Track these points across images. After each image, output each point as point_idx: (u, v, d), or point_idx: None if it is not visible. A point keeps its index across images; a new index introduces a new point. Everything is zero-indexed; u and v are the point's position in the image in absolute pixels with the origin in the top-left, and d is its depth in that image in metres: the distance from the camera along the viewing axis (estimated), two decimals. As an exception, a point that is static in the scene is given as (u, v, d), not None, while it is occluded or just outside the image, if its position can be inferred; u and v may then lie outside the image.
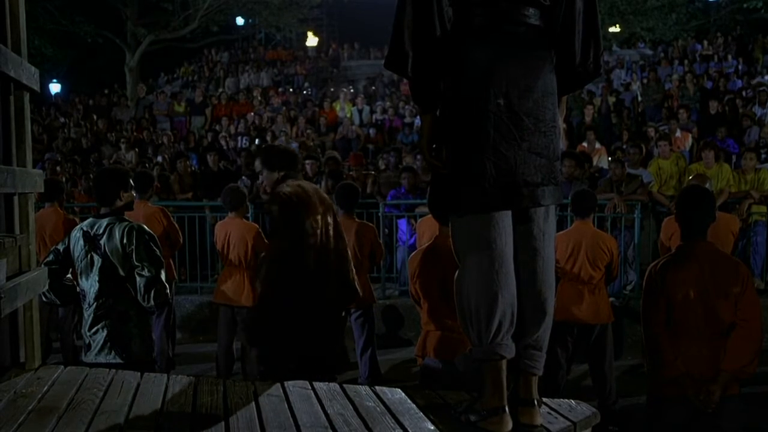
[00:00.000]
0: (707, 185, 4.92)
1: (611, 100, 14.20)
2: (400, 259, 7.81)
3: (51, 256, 3.98)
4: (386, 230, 7.91)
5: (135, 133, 13.37)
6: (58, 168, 9.21)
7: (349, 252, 5.24)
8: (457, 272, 2.22)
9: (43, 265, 3.91)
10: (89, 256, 3.85)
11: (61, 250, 3.97)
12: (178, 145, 12.58)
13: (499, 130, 2.07)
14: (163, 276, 3.82)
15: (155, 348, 4.70)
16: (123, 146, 12.21)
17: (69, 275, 4.03)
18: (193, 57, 24.03)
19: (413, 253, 3.66)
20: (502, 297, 2.10)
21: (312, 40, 23.92)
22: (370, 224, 5.64)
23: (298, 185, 3.66)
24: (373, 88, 18.24)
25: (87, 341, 3.87)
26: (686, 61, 19.44)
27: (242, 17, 23.61)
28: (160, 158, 11.78)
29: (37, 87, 2.88)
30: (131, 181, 4.12)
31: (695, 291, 3.22)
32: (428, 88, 2.16)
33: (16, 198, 2.67)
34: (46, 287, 3.87)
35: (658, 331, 3.30)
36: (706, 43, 21.35)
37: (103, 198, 3.99)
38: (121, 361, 3.81)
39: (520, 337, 2.18)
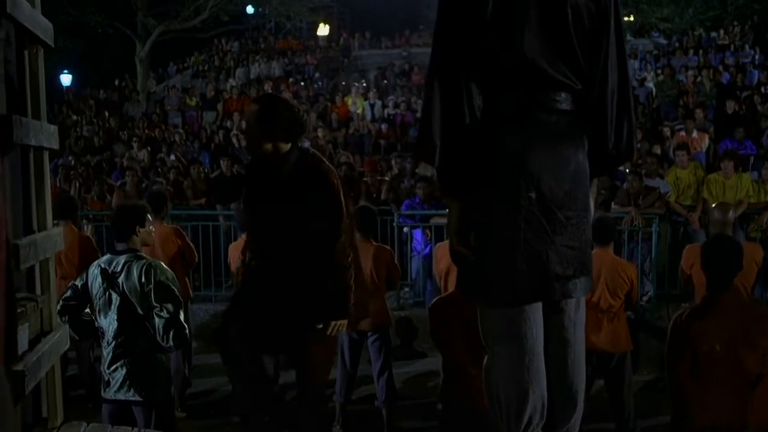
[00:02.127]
0: (730, 214, 4.85)
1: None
2: (414, 269, 7.78)
3: (69, 292, 3.99)
4: (405, 230, 7.87)
5: (147, 131, 13.35)
6: (71, 173, 9.21)
7: (367, 275, 5.25)
8: (486, 358, 2.19)
9: (61, 301, 3.92)
10: (107, 294, 3.85)
11: (79, 287, 3.98)
12: (190, 144, 12.56)
13: (530, 223, 2.03)
14: (181, 316, 3.81)
15: (172, 373, 4.74)
16: (135, 145, 12.21)
17: (87, 309, 4.04)
18: (204, 47, 23.93)
19: (435, 300, 3.63)
20: (533, 393, 2.07)
21: (323, 30, 23.76)
22: (387, 247, 5.60)
23: None
24: (385, 81, 18.10)
25: (106, 378, 3.88)
26: (701, 51, 19.18)
27: (252, 6, 23.44)
28: (173, 157, 11.77)
29: (56, 145, 2.85)
30: (148, 216, 4.12)
31: (721, 343, 3.18)
32: (457, 178, 2.11)
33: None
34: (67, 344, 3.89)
35: (684, 382, 3.27)
36: (722, 32, 21.03)
37: (121, 234, 3.99)
38: (140, 399, 3.83)
39: (550, 429, 2.15)
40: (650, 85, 15.35)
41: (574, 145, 2.11)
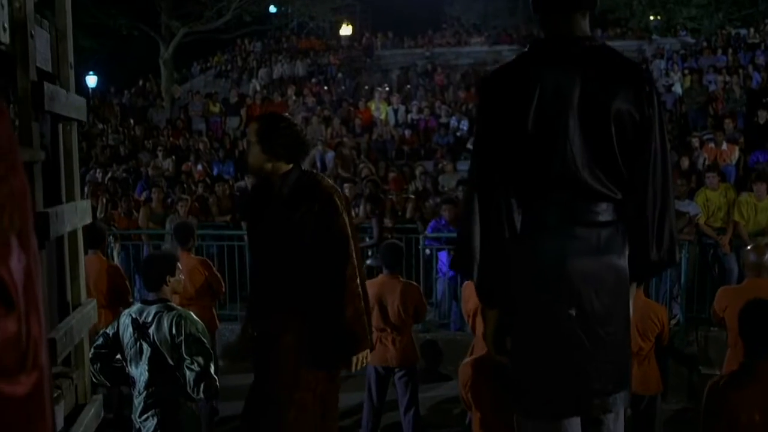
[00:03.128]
0: (766, 257, 4.75)
1: (653, 102, 13.81)
2: (440, 291, 7.75)
3: (101, 340, 4.02)
4: (428, 252, 7.84)
5: (171, 139, 13.44)
6: (98, 192, 9.29)
7: (394, 312, 5.24)
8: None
9: (93, 349, 3.95)
10: (138, 344, 3.87)
11: (111, 335, 4.01)
12: (215, 152, 12.61)
13: (570, 340, 1.99)
14: (212, 369, 3.83)
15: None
16: (160, 154, 12.29)
17: (118, 356, 4.07)
18: (226, 47, 24.00)
19: (465, 361, 3.59)
20: None
21: (345, 30, 23.70)
22: (414, 284, 5.58)
23: None
24: (408, 86, 18.01)
25: (137, 426, 3.91)
26: (730, 50, 18.82)
27: (275, 6, 23.43)
28: (200, 167, 11.84)
29: (89, 219, 2.86)
30: (178, 265, 4.14)
31: (760, 414, 3.12)
32: (495, 288, 2.07)
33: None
34: (97, 376, 3.94)
35: (720, 451, 3.21)
36: (752, 30, 20.57)
37: (151, 283, 4.01)
38: (171, 448, 3.86)
39: None
40: (677, 89, 15.09)
41: (615, 255, 2.06)
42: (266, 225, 3.43)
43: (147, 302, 3.96)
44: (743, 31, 20.57)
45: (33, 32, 2.25)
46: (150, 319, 3.87)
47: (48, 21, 2.67)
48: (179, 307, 4.00)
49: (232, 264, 8.00)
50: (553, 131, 1.97)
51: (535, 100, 1.95)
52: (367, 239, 8.51)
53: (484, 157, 2.03)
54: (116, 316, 6.02)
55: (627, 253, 2.09)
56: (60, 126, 2.78)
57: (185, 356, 3.76)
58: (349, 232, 3.27)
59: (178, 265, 4.13)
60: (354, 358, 3.31)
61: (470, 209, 2.04)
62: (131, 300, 6.39)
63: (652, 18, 19.79)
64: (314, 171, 3.48)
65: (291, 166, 3.28)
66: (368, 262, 8.54)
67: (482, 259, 2.01)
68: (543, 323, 2.03)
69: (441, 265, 7.70)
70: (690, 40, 21.12)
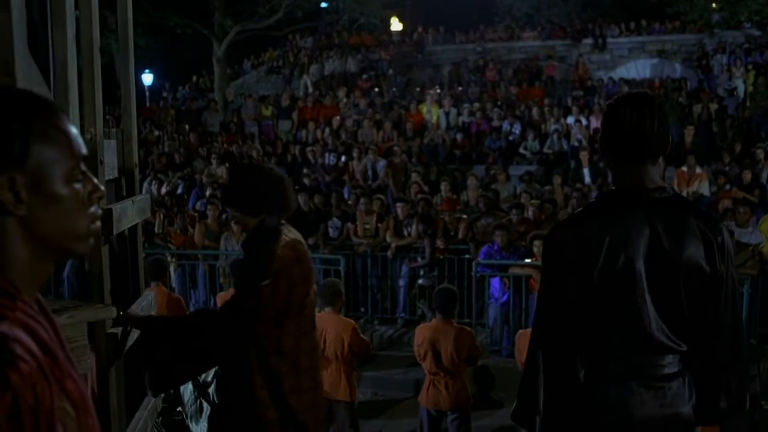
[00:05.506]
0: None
1: (713, 107, 13.39)
2: (492, 316, 7.71)
3: (162, 395, 4.14)
4: (478, 274, 7.79)
5: (225, 146, 13.64)
6: (154, 207, 9.49)
7: (447, 357, 5.25)
8: None
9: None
10: (198, 402, 3.98)
11: (171, 391, 4.11)
12: (267, 159, 12.74)
13: None
14: None
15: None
16: (214, 161, 12.48)
17: (179, 408, 4.18)
18: (278, 43, 24.15)
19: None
20: None
21: (396, 25, 23.55)
22: (468, 329, 5.55)
23: None
24: (460, 87, 17.83)
25: (198, 482, 4.02)
26: (800, 43, 18.06)
27: (326, 2, 23.46)
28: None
29: (154, 312, 2.93)
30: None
31: None
32: None
33: None
34: (159, 429, 4.06)
35: None
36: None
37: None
38: (230, 504, 3.96)
39: None
40: (740, 92, 14.53)
41: (681, 406, 2.02)
42: None
43: (207, 361, 4.06)
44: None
45: (102, 159, 2.30)
46: (210, 378, 3.97)
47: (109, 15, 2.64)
48: (238, 368, 4.09)
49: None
50: (620, 286, 1.94)
51: (603, 254, 1.91)
52: (419, 259, 8.52)
53: (549, 310, 2.01)
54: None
55: (693, 402, 2.05)
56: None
57: (244, 418, 3.86)
58: (273, 296, 2.69)
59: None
60: None
61: (534, 362, 2.02)
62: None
63: (714, 5, 18.95)
64: (283, 232, 2.80)
65: (257, 220, 2.83)
66: (420, 281, 8.58)
67: (545, 412, 2.00)
68: None
69: (493, 290, 7.65)
70: (755, 32, 20.28)
